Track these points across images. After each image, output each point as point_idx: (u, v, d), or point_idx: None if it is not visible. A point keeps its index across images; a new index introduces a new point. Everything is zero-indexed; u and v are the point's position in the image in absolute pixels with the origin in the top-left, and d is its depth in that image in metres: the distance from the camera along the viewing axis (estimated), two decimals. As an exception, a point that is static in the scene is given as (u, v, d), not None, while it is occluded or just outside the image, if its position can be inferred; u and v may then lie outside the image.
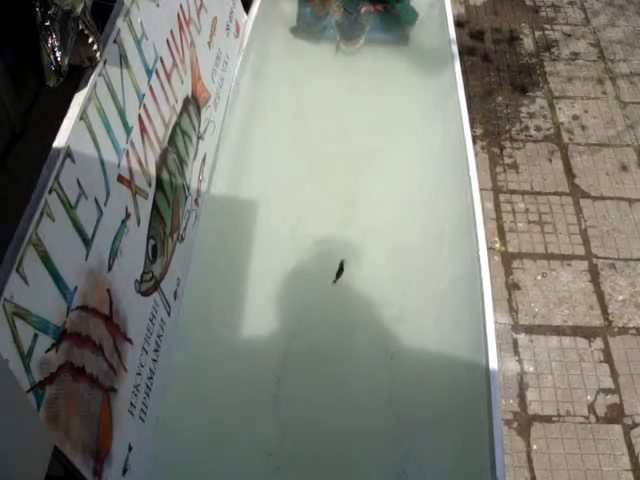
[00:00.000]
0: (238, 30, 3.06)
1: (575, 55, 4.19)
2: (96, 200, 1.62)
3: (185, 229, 2.30)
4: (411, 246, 2.66)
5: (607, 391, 2.70)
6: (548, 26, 4.39)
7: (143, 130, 1.93)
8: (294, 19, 3.60)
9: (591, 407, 2.66)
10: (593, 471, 2.51)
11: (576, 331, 2.88)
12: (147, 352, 1.93)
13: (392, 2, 3.55)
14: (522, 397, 2.68)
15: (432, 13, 3.56)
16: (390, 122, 3.14)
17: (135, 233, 1.85)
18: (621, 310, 2.95)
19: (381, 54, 3.51)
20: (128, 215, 1.80)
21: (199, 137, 2.45)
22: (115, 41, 1.76)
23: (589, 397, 2.69)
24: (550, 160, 3.56)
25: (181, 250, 2.24)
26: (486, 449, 1.91)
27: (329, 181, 2.89)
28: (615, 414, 2.64)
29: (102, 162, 1.65)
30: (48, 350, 1.35)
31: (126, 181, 1.79)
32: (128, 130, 1.83)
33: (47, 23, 1.43)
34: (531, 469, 2.51)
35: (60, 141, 1.49)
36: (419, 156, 2.97)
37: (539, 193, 3.40)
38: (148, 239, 1.96)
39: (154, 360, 1.99)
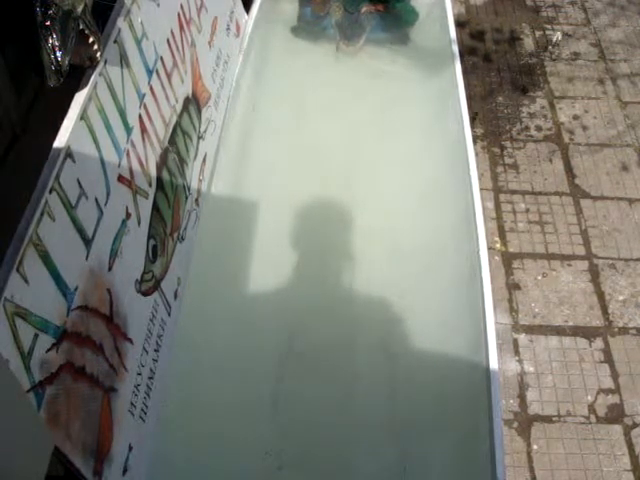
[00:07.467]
0: (238, 30, 3.06)
1: (576, 55, 4.19)
2: (96, 200, 1.62)
3: (185, 229, 2.30)
4: (411, 246, 2.66)
5: (607, 391, 2.70)
6: (549, 26, 4.39)
7: (143, 130, 1.93)
8: (294, 19, 3.60)
9: (591, 407, 2.66)
10: (593, 471, 2.51)
11: (576, 331, 2.88)
12: (147, 352, 1.93)
13: (393, 2, 3.55)
14: (522, 397, 2.68)
15: (432, 13, 3.56)
16: (390, 122, 3.14)
17: (135, 233, 1.85)
18: (621, 310, 2.95)
19: (381, 54, 3.51)
20: (128, 215, 1.80)
21: (199, 137, 2.45)
22: (115, 41, 1.76)
23: (589, 397, 2.69)
24: (551, 160, 3.56)
25: (181, 250, 2.24)
26: (486, 449, 1.90)
27: (329, 181, 2.89)
28: (615, 414, 2.64)
29: (102, 162, 1.65)
30: (48, 350, 1.35)
31: (126, 181, 1.79)
32: (128, 130, 1.82)
33: (48, 23, 1.43)
34: (531, 469, 2.51)
35: (60, 141, 1.49)
36: (419, 156, 2.97)
37: (539, 193, 3.40)
38: (148, 239, 1.96)
39: (154, 360, 1.99)
